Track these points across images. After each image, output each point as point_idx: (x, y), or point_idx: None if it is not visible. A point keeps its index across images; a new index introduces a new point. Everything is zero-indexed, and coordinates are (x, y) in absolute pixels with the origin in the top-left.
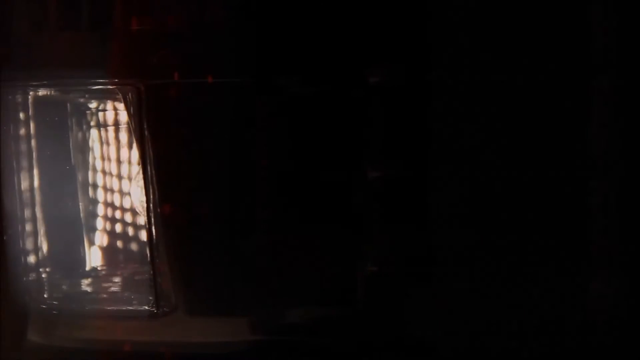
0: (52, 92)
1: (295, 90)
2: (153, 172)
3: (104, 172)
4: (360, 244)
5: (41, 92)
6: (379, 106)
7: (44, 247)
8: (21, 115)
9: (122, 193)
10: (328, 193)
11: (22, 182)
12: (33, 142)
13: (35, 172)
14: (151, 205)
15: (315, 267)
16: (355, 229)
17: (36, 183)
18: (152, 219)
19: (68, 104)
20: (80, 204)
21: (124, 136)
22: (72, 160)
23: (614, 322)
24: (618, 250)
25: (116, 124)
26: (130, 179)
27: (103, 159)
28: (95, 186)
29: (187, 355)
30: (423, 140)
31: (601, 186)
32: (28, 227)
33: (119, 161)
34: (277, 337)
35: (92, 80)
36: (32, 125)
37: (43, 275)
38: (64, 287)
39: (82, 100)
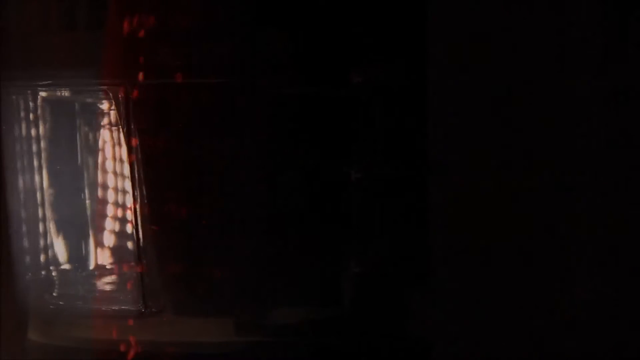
0: (62, 92)
1: (279, 90)
2: (141, 171)
3: (115, 172)
4: (344, 244)
5: (49, 93)
6: (361, 107)
7: (54, 247)
8: (27, 115)
9: (125, 192)
10: (312, 194)
11: (30, 182)
12: (42, 143)
13: (45, 172)
14: (138, 204)
15: (300, 267)
16: (339, 230)
17: (45, 183)
18: (139, 219)
19: (76, 104)
20: (86, 202)
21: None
22: (81, 160)
23: (600, 326)
24: (604, 254)
25: None
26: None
27: (114, 159)
28: (103, 186)
29: (176, 355)
30: (407, 141)
31: (587, 189)
32: (36, 226)
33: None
34: (263, 338)
35: (81, 80)
36: (39, 125)
37: (54, 274)
38: (71, 286)
39: (90, 100)
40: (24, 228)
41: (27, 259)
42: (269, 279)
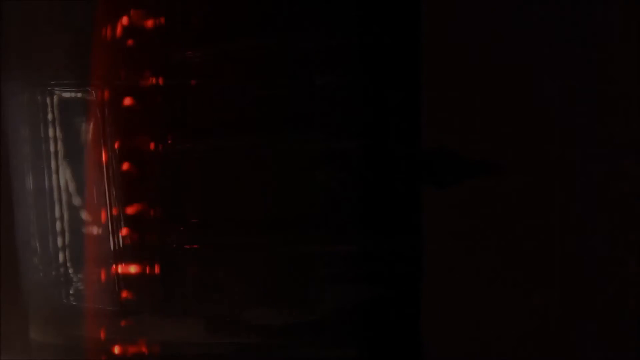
0: (76, 92)
1: (253, 92)
2: (115, 174)
3: (103, 174)
4: (318, 247)
5: (58, 92)
6: (327, 106)
7: (69, 246)
8: (40, 115)
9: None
10: (284, 195)
11: (46, 181)
12: (59, 143)
13: (62, 171)
14: (113, 206)
15: (275, 270)
16: (312, 232)
17: (62, 182)
18: (114, 221)
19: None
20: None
21: None
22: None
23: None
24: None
25: None
26: None
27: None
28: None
29: (155, 355)
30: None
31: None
32: (50, 225)
33: None
34: (248, 339)
35: (73, 82)
36: (54, 125)
37: (70, 271)
38: (65, 286)
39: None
40: (37, 228)
41: (35, 259)
42: (250, 279)
